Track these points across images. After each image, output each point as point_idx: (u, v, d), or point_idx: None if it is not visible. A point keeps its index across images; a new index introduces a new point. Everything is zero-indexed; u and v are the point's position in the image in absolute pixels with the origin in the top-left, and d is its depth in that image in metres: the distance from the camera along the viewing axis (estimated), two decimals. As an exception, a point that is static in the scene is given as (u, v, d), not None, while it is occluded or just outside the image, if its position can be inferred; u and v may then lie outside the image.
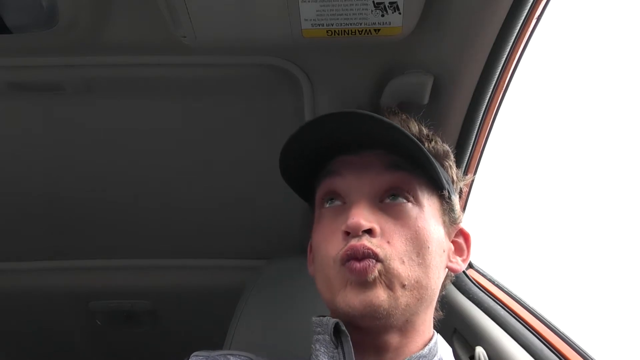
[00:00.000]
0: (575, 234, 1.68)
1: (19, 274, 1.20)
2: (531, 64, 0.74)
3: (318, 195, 0.63)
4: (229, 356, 0.63)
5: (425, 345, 0.60)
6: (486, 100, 0.74)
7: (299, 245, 0.90)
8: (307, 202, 0.68)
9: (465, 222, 0.68)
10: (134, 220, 1.05)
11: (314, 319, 0.62)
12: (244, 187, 0.96)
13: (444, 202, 0.63)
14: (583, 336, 0.76)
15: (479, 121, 0.78)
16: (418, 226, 0.58)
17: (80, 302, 1.27)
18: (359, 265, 0.54)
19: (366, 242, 0.55)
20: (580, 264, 1.62)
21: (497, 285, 0.93)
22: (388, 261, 0.55)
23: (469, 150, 0.82)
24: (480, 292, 0.93)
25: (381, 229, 0.56)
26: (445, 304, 0.67)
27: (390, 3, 0.57)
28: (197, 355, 0.63)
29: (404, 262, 0.56)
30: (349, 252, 0.55)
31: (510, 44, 0.66)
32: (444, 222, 0.62)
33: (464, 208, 0.91)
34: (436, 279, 0.59)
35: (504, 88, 0.74)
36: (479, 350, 0.80)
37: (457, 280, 0.96)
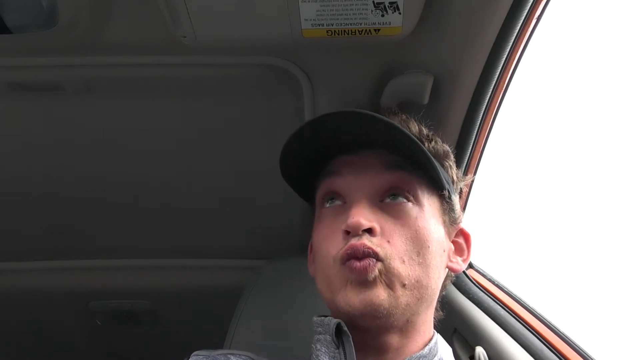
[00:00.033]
0: (575, 233, 1.68)
1: (19, 274, 1.20)
2: (531, 64, 0.74)
3: (318, 195, 0.63)
4: (229, 355, 0.63)
5: (426, 345, 0.60)
6: (486, 100, 0.74)
7: (299, 245, 0.90)
8: (308, 202, 0.68)
9: (465, 222, 0.68)
10: (134, 220, 1.05)
11: (315, 319, 0.62)
12: (244, 187, 0.96)
13: (444, 202, 0.63)
14: (583, 336, 0.76)
15: (479, 121, 0.78)
16: (418, 226, 0.58)
17: (80, 302, 1.27)
18: (359, 264, 0.54)
19: (366, 241, 0.55)
20: (580, 263, 1.62)
21: (497, 285, 0.93)
22: (388, 260, 0.55)
23: (469, 150, 0.82)
24: (480, 292, 0.93)
25: (381, 228, 0.56)
26: (445, 304, 0.67)
27: (390, 3, 0.57)
28: (197, 355, 0.63)
29: (404, 261, 0.56)
30: (349, 251, 0.55)
31: (510, 44, 0.66)
32: (444, 222, 0.62)
33: (464, 208, 0.91)
34: (436, 278, 0.59)
35: (504, 88, 0.74)
36: (479, 350, 0.80)
37: (457, 280, 0.96)
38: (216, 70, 0.71)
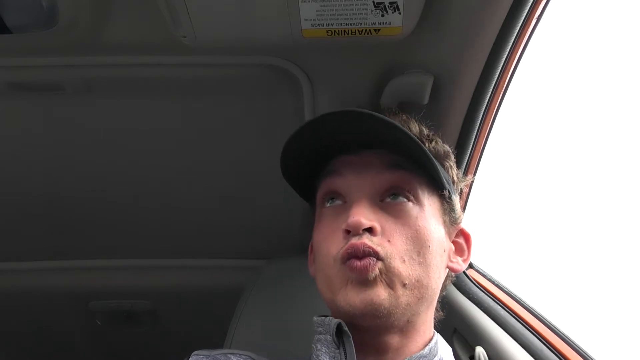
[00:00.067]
0: (575, 233, 1.68)
1: (19, 274, 1.20)
2: (531, 64, 0.74)
3: (319, 194, 0.63)
4: (229, 355, 0.63)
5: (426, 345, 0.60)
6: (486, 100, 0.74)
7: (299, 245, 0.90)
8: (308, 202, 0.68)
9: (465, 222, 0.68)
10: (134, 220, 1.05)
11: (315, 318, 0.62)
12: (244, 187, 0.96)
13: (444, 202, 0.63)
14: (583, 336, 0.76)
15: (479, 121, 0.78)
16: (418, 225, 0.58)
17: (80, 302, 1.27)
18: (359, 263, 0.54)
19: (367, 240, 0.55)
20: (580, 263, 1.62)
21: (497, 285, 0.93)
22: (389, 260, 0.55)
23: (469, 150, 0.82)
24: (480, 292, 0.93)
25: (382, 227, 0.56)
26: (445, 304, 0.67)
27: (390, 3, 0.57)
28: (197, 355, 0.63)
29: (404, 261, 0.56)
30: (349, 251, 0.55)
31: (510, 44, 0.66)
32: (444, 222, 0.62)
33: (464, 208, 0.91)
34: (437, 278, 0.59)
35: (504, 88, 0.74)
36: (479, 350, 0.80)
37: (457, 280, 0.96)
38: (216, 70, 0.71)
